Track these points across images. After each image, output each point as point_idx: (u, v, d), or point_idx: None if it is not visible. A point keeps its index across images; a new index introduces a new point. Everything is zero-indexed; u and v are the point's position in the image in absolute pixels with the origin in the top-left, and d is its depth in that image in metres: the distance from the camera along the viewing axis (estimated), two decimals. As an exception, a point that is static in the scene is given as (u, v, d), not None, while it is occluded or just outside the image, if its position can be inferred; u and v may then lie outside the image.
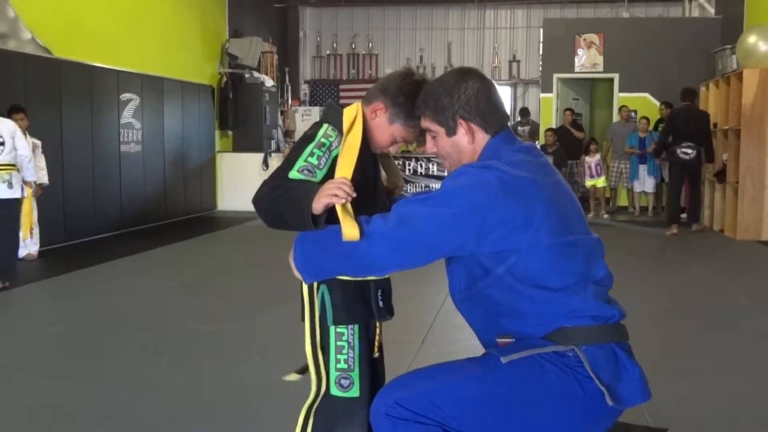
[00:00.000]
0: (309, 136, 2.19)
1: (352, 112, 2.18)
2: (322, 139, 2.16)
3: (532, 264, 1.89)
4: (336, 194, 1.94)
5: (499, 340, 1.97)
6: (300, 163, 2.12)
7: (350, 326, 2.20)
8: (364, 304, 2.23)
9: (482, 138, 2.03)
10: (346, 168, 2.05)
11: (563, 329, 1.91)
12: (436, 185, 11.81)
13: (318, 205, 1.96)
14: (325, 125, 2.19)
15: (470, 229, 1.86)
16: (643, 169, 12.31)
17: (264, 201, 2.11)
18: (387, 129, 2.21)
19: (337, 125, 2.18)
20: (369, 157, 2.24)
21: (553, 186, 1.96)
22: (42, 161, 7.84)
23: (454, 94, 2.00)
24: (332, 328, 2.22)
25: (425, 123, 2.08)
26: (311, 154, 2.13)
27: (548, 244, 1.89)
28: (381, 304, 2.27)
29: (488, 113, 2.01)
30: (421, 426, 1.84)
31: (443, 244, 1.89)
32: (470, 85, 2.01)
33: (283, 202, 2.05)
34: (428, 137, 2.11)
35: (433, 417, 1.84)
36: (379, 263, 1.92)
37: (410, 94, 2.18)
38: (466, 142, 2.03)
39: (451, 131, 2.03)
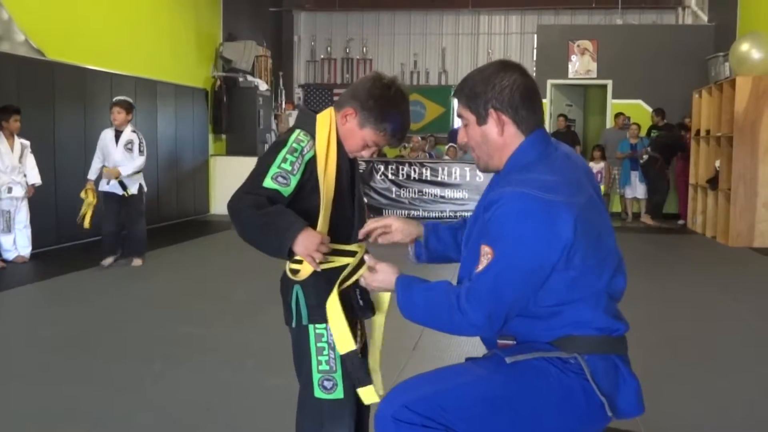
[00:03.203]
0: (281, 142, 2.21)
1: (324, 120, 2.21)
2: (294, 144, 2.18)
3: (557, 280, 1.90)
4: (313, 257, 2.08)
5: (499, 341, 1.99)
6: (274, 169, 2.14)
7: (329, 327, 2.21)
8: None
9: (513, 134, 1.99)
10: (323, 222, 2.17)
11: (569, 337, 1.94)
12: (428, 190, 11.79)
13: (297, 251, 2.08)
14: (297, 130, 2.21)
15: (549, 266, 1.87)
16: (634, 175, 12.35)
17: (242, 216, 2.13)
18: (358, 133, 2.23)
19: (309, 130, 2.21)
20: (345, 162, 2.26)
21: (585, 206, 1.92)
22: (32, 161, 7.79)
23: (490, 83, 1.97)
24: (311, 329, 2.21)
25: (459, 109, 2.06)
26: (284, 160, 2.15)
27: (579, 269, 1.90)
28: (361, 302, 2.27)
29: (521, 108, 1.96)
30: (427, 430, 1.85)
31: (532, 288, 1.89)
32: (508, 77, 1.97)
33: (263, 228, 2.10)
34: (461, 125, 2.09)
35: (440, 420, 1.85)
36: (486, 330, 1.93)
37: (379, 98, 2.19)
38: (496, 134, 1.99)
39: (481, 120, 2.00)
